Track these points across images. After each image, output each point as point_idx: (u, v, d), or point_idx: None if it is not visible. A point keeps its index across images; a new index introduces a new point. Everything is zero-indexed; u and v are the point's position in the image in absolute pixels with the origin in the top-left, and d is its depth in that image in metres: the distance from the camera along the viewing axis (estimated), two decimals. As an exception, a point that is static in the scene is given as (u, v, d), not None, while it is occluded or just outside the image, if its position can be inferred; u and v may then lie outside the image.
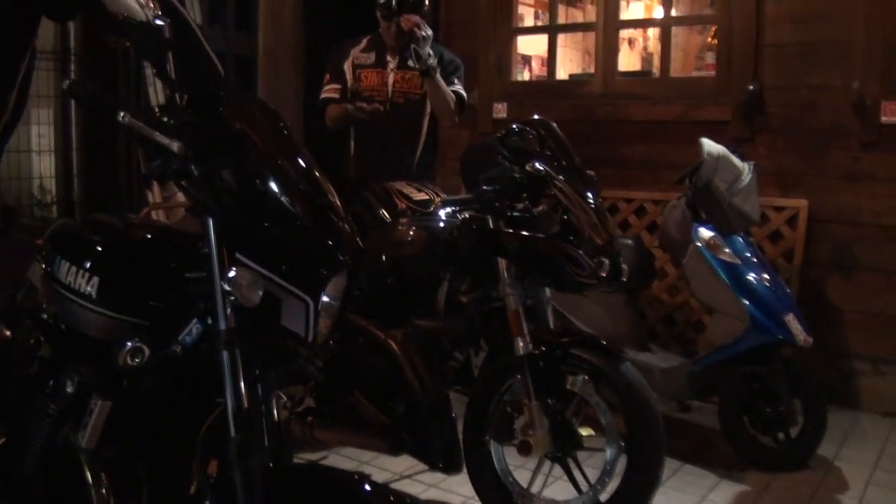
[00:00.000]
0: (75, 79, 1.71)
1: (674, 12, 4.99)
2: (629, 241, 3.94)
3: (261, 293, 1.65)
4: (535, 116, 2.94)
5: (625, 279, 2.75)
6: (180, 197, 4.32)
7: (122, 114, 1.61)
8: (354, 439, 2.95)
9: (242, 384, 1.67)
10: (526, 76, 6.12)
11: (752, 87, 4.15)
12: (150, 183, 4.37)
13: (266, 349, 1.75)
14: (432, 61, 3.57)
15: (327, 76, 3.88)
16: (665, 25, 4.89)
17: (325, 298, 1.72)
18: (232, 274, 1.62)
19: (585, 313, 3.76)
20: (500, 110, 5.04)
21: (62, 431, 1.84)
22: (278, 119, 1.95)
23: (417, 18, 3.62)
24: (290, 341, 1.71)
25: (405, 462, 3.12)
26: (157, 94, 4.36)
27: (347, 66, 3.83)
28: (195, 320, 1.77)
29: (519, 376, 2.67)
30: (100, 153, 5.62)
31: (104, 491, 1.79)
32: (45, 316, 1.99)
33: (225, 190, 1.73)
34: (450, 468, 2.79)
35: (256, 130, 1.85)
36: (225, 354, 1.68)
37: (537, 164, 2.69)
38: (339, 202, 1.83)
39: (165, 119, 1.73)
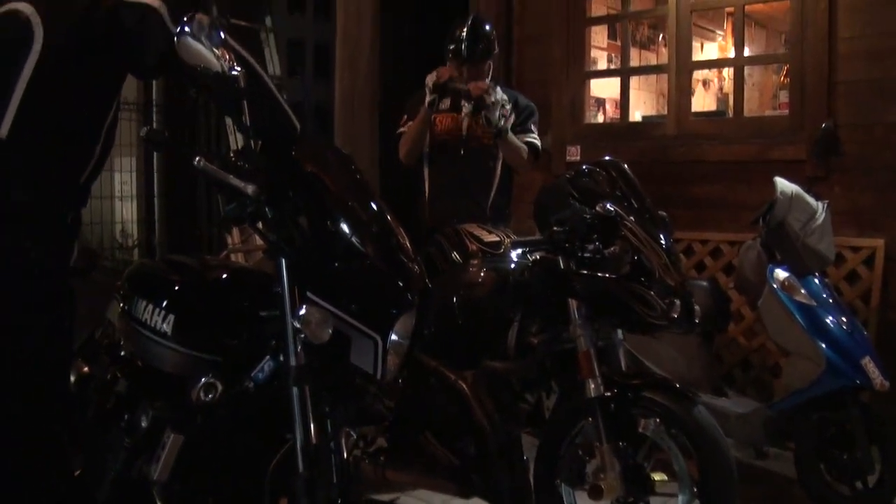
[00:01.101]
0: (153, 126, 1.78)
1: (747, 52, 4.95)
2: (704, 283, 3.89)
3: (330, 331, 1.69)
4: (606, 157, 2.94)
5: (697, 321, 2.72)
6: (259, 240, 4.44)
7: (197, 158, 1.68)
8: (425, 481, 2.95)
9: (311, 421, 1.71)
10: (600, 119, 6.13)
11: (825, 126, 4.07)
12: (229, 227, 4.48)
13: (335, 386, 1.79)
14: (503, 123, 3.60)
15: (405, 117, 3.93)
16: (738, 65, 4.86)
17: (393, 337, 1.75)
18: (302, 312, 1.66)
19: (659, 356, 3.71)
20: (574, 153, 5.05)
21: (136, 464, 1.90)
22: (350, 162, 2.00)
23: (486, 84, 3.64)
24: (359, 379, 1.74)
25: (476, 504, 3.11)
26: (237, 142, 4.50)
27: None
28: (267, 357, 1.82)
29: (590, 419, 2.64)
30: (180, 199, 5.84)
31: None
32: (123, 352, 2.07)
33: (297, 231, 1.78)
34: (519, 511, 2.77)
35: (328, 173, 1.91)
36: (295, 391, 1.72)
37: (608, 206, 2.69)
38: (408, 243, 1.87)
39: (240, 163, 1.79)
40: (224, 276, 2.02)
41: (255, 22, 5.21)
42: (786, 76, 4.77)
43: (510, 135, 3.68)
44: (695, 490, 2.58)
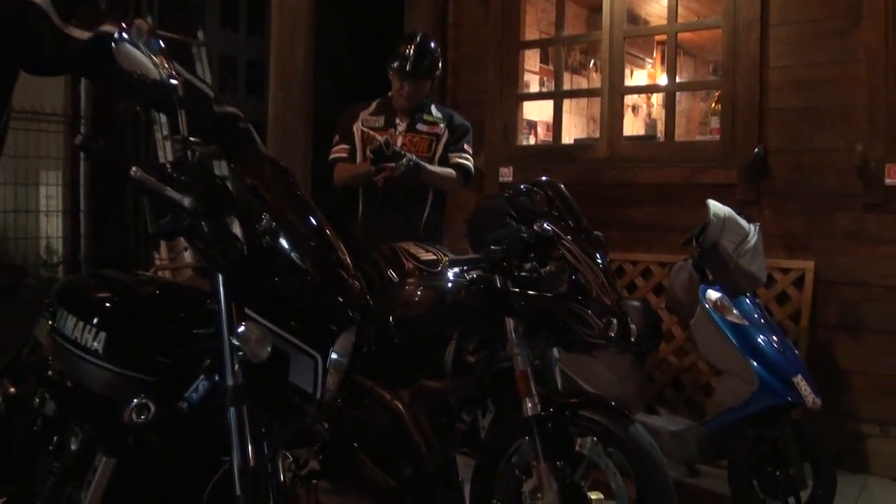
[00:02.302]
0: (87, 133, 1.71)
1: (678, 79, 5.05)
2: (636, 303, 3.93)
3: (269, 349, 1.64)
4: (543, 178, 2.95)
5: (633, 339, 2.74)
6: (188, 257, 4.35)
7: (134, 168, 1.62)
8: (362, 502, 2.90)
9: (249, 442, 1.66)
10: (531, 141, 6.18)
11: (757, 151, 4.17)
12: (157, 243, 4.38)
13: (273, 406, 1.74)
14: (408, 161, 3.54)
15: (336, 137, 3.92)
16: (670, 91, 4.95)
17: (333, 355, 1.71)
18: (241, 329, 1.62)
19: (592, 375, 3.73)
20: (507, 174, 5.08)
21: (65, 490, 1.81)
22: (288, 176, 1.96)
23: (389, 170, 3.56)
24: (298, 398, 1.70)
25: (411, 526, 3.07)
26: (166, 155, 4.41)
27: (356, 128, 3.87)
28: (202, 377, 1.76)
29: (527, 438, 2.63)
30: (107, 215, 5.69)
31: None
32: (51, 372, 1.98)
33: (234, 246, 1.73)
34: (456, 532, 2.74)
35: (267, 186, 1.87)
36: (232, 411, 1.66)
37: (545, 225, 2.70)
38: (348, 259, 1.83)
39: (176, 175, 1.74)
40: (156, 292, 1.96)
41: (186, 35, 5.12)
42: (717, 102, 4.87)
43: (426, 166, 3.67)
44: (633, 508, 2.60)
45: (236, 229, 1.77)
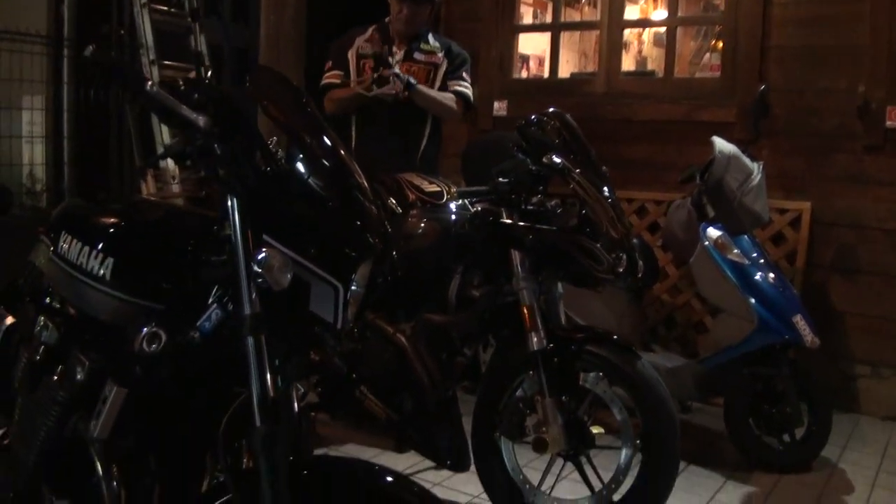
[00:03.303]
0: (96, 46, 1.60)
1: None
2: (634, 241, 3.89)
3: (289, 276, 1.58)
4: (551, 109, 2.88)
5: (640, 275, 2.71)
6: (175, 188, 4.25)
7: (149, 83, 1.53)
8: (360, 435, 2.88)
9: (268, 372, 1.61)
10: (523, 75, 6.07)
11: (763, 87, 4.09)
12: (144, 173, 4.27)
13: (291, 336, 1.68)
14: (405, 77, 3.54)
15: (329, 63, 3.81)
16: (671, 25, 4.86)
17: (353, 286, 1.66)
18: (262, 255, 1.55)
19: (589, 312, 3.71)
20: (501, 108, 4.99)
21: (70, 421, 1.75)
22: (303, 96, 1.88)
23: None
24: (318, 328, 1.64)
25: (409, 459, 3.06)
26: (152, 79, 4.26)
27: (351, 55, 3.76)
28: (214, 305, 1.70)
29: (532, 372, 2.61)
30: (91, 142, 5.53)
31: (115, 484, 1.71)
32: (51, 300, 1.91)
33: (249, 168, 1.66)
34: (457, 466, 2.73)
35: (282, 108, 1.79)
36: (251, 341, 1.60)
37: (554, 157, 2.63)
38: (366, 183, 1.77)
39: (191, 93, 1.65)
40: (164, 216, 1.88)
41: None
42: (716, 39, 4.79)
43: (423, 89, 3.60)
44: (637, 443, 2.59)
45: (251, 151, 1.70)
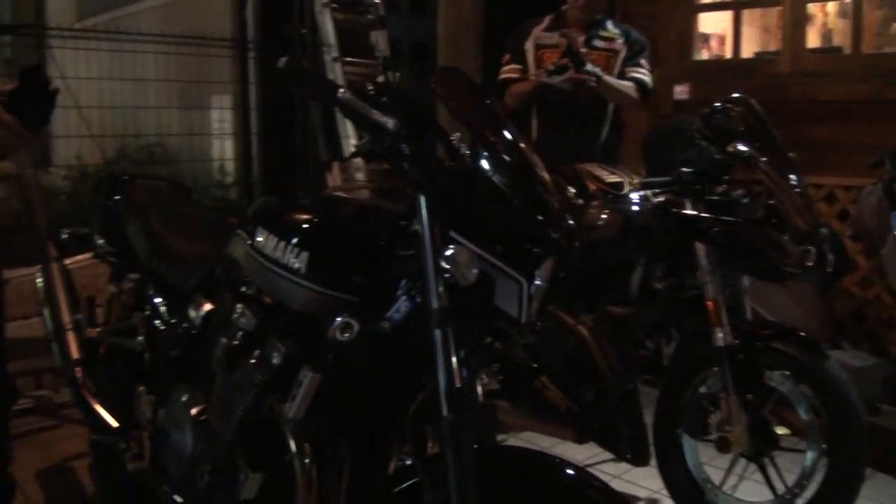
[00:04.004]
0: (292, 56, 1.69)
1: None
2: (825, 230, 3.72)
3: (475, 272, 1.62)
4: (735, 94, 2.79)
5: (830, 269, 2.59)
6: (361, 179, 4.40)
7: (342, 89, 1.61)
8: (539, 424, 2.90)
9: (454, 364, 1.65)
10: (705, 56, 5.88)
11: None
12: (329, 166, 4.45)
13: (477, 330, 1.73)
14: (592, 68, 3.48)
15: (506, 56, 3.83)
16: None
17: (536, 280, 1.68)
18: (450, 252, 1.60)
19: (775, 306, 3.57)
20: (682, 92, 4.85)
21: (266, 401, 1.87)
22: (486, 94, 1.91)
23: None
24: (502, 322, 1.68)
25: (587, 450, 3.06)
26: (335, 79, 4.43)
27: (529, 47, 3.77)
28: (403, 297, 1.76)
29: (716, 368, 2.56)
30: (277, 138, 5.83)
31: (307, 462, 1.81)
32: (248, 289, 2.03)
33: (436, 167, 1.71)
34: (637, 460, 2.71)
35: (467, 107, 1.83)
36: (438, 334, 1.66)
37: (740, 146, 2.55)
38: (548, 178, 1.78)
39: (380, 97, 1.72)
40: (357, 212, 1.96)
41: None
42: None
43: (607, 79, 3.55)
44: (823, 446, 2.49)
45: (437, 150, 1.75)
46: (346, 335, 1.76)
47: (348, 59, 4.84)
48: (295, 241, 1.84)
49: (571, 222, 1.76)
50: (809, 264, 2.50)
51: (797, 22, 4.53)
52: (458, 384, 1.65)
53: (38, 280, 3.01)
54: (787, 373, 2.52)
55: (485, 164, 1.71)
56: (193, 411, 2.13)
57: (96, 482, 3.09)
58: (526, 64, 3.76)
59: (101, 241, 2.94)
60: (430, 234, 1.68)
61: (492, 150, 1.73)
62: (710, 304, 2.56)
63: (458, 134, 1.77)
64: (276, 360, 1.86)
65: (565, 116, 3.61)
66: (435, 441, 1.63)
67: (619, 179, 2.98)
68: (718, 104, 2.70)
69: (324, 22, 4.79)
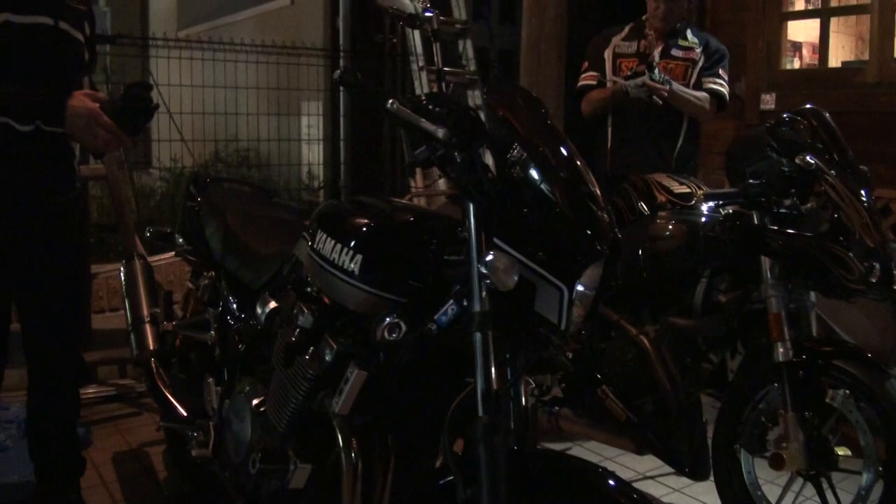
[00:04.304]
0: (346, 68, 1.78)
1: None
2: (893, 246, 3.62)
3: (516, 278, 1.66)
4: (808, 106, 2.75)
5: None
6: (442, 185, 4.48)
7: (390, 101, 1.67)
8: (600, 434, 2.91)
9: (493, 367, 1.70)
10: (796, 64, 5.75)
11: None
12: (413, 171, 4.54)
13: (518, 334, 1.77)
14: (661, 79, 3.46)
15: (585, 64, 3.85)
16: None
17: (579, 287, 1.71)
18: (489, 258, 1.64)
19: (850, 323, 3.49)
20: (769, 101, 4.77)
21: (318, 396, 1.95)
22: (541, 106, 1.95)
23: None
24: (543, 328, 1.71)
25: (649, 462, 3.05)
26: (422, 88, 4.52)
27: (608, 55, 3.78)
28: (451, 301, 1.81)
29: (776, 384, 2.52)
30: (365, 143, 5.96)
31: (354, 455, 1.88)
32: (310, 289, 2.12)
33: (486, 176, 1.76)
34: (696, 474, 2.68)
35: (518, 117, 1.87)
36: (478, 336, 1.71)
37: (808, 158, 2.52)
38: (598, 191, 1.81)
39: (431, 107, 1.78)
40: (411, 218, 2.02)
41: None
42: None
43: (681, 89, 3.52)
44: (880, 469, 2.43)
45: (488, 159, 1.80)
46: (394, 335, 1.82)
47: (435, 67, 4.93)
48: (351, 244, 1.92)
49: (619, 236, 1.78)
50: (874, 281, 2.44)
51: (885, 31, 4.39)
52: (495, 387, 1.69)
53: (121, 275, 3.16)
54: (848, 392, 2.46)
55: (534, 173, 1.75)
56: (254, 403, 2.23)
57: (167, 467, 3.23)
58: (604, 72, 3.77)
59: (181, 240, 3.09)
60: (477, 240, 1.73)
61: (543, 162, 1.77)
62: (772, 318, 2.53)
63: (517, 145, 1.80)
64: (328, 357, 1.94)
65: (640, 125, 3.61)
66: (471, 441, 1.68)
67: (688, 190, 2.96)
68: (786, 115, 2.66)
69: (411, 32, 4.89)
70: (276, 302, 2.28)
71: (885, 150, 4.26)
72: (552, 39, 4.71)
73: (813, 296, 2.72)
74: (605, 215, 1.78)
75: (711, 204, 2.78)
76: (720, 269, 2.76)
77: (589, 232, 1.73)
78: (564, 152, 1.83)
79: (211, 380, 2.65)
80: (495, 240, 1.71)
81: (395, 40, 5.45)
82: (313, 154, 5.98)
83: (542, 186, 1.76)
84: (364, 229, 1.96)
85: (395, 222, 2.00)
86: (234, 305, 2.67)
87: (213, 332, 2.74)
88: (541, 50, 4.70)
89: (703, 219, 2.79)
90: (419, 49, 4.78)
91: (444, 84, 1.85)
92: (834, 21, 6.09)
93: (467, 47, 5.00)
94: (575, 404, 2.91)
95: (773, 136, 2.61)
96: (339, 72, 1.80)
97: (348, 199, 2.28)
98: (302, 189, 5.89)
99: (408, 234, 1.97)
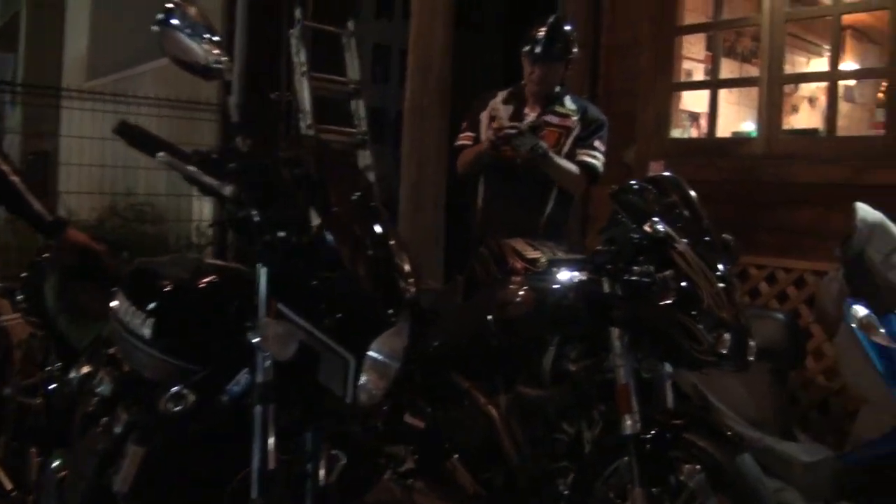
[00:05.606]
0: (124, 120, 1.68)
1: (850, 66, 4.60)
2: (780, 316, 3.60)
3: (294, 347, 1.55)
4: (666, 173, 2.72)
5: (751, 358, 2.46)
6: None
7: (160, 154, 1.58)
8: (455, 506, 2.79)
9: (272, 443, 1.58)
10: (693, 134, 5.83)
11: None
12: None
13: (304, 407, 1.66)
14: (538, 148, 3.40)
15: (464, 124, 3.81)
16: (832, 79, 4.49)
17: (378, 357, 1.61)
18: (261, 325, 1.54)
19: (725, 391, 3.44)
20: (657, 169, 4.75)
21: (107, 472, 1.80)
22: (360, 179, 1.90)
23: (499, 123, 3.51)
24: (329, 401, 1.61)
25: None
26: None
27: (484, 116, 3.74)
28: (245, 370, 1.70)
29: (626, 458, 2.43)
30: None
31: None
32: (112, 353, 1.99)
33: (280, 238, 1.65)
34: (546, 548, 2.58)
35: (329, 181, 1.79)
36: (258, 410, 1.59)
37: (658, 226, 2.46)
38: (406, 264, 1.73)
39: (222, 162, 1.69)
40: (216, 279, 1.91)
41: (338, 26, 5.17)
42: (883, 92, 4.39)
43: (553, 157, 3.47)
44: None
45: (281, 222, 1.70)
46: (180, 407, 1.70)
47: (325, 126, 4.87)
48: (144, 307, 1.81)
49: (417, 305, 1.69)
50: (724, 352, 2.37)
51: (773, 103, 4.46)
52: (271, 465, 1.57)
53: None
54: (699, 467, 2.37)
55: (332, 238, 1.66)
56: (58, 478, 2.07)
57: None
58: (479, 133, 3.73)
59: (20, 297, 2.92)
60: (267, 307, 1.62)
61: (343, 228, 1.68)
62: (619, 389, 2.45)
63: (317, 210, 1.70)
64: (117, 429, 1.81)
65: (510, 187, 3.55)
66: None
67: (540, 255, 2.89)
68: (634, 183, 2.62)
69: (301, 90, 4.84)
70: (91, 366, 2.14)
71: (772, 219, 4.29)
72: (435, 95, 4.68)
73: (668, 365, 2.65)
74: (406, 284, 1.69)
75: (566, 270, 2.70)
76: (571, 337, 2.68)
77: (382, 300, 1.63)
78: (372, 222, 1.75)
79: (34, 450, 2.48)
80: (280, 306, 1.61)
81: (291, 98, 5.39)
82: (205, 210, 5.85)
83: (341, 253, 1.66)
84: (159, 292, 1.85)
85: (194, 285, 1.88)
86: (58, 368, 2.52)
87: (38, 398, 2.58)
88: (424, 108, 4.67)
89: (555, 285, 2.71)
90: (308, 107, 4.73)
91: (240, 140, 1.75)
92: (737, 93, 6.25)
93: (359, 107, 4.95)
94: (428, 476, 2.79)
95: (618, 203, 2.55)
96: (118, 122, 1.71)
97: (169, 259, 2.16)
98: (184, 247, 5.74)
99: (207, 297, 1.85)
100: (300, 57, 4.84)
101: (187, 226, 5.90)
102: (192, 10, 1.71)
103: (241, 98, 5.41)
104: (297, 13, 5.00)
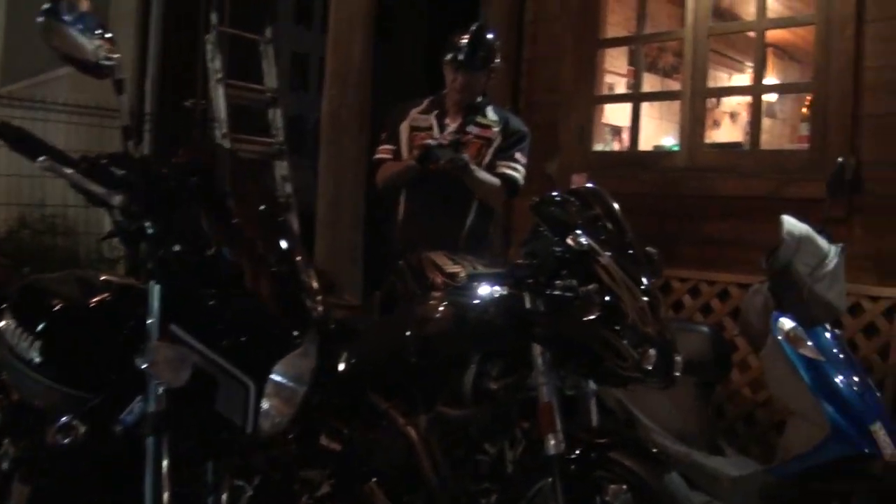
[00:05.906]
0: (5, 121, 1.55)
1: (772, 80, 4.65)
2: (704, 329, 3.59)
3: (188, 373, 1.42)
4: (589, 185, 2.65)
5: (677, 373, 2.40)
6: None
7: (42, 158, 1.44)
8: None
9: (165, 475, 1.45)
10: (615, 147, 5.84)
11: (840, 161, 3.72)
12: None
13: (201, 437, 1.53)
14: (458, 160, 3.33)
15: (383, 136, 3.70)
16: (755, 94, 4.53)
17: (282, 380, 1.49)
18: (152, 348, 1.41)
19: (651, 406, 3.40)
20: (579, 181, 4.72)
21: None
22: (267, 195, 1.78)
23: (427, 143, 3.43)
24: (225, 430, 1.48)
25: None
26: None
27: (404, 128, 3.63)
28: (139, 398, 1.56)
29: (550, 479, 2.34)
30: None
31: None
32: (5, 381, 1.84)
33: (175, 254, 1.52)
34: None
35: (233, 196, 1.67)
36: (150, 441, 1.45)
37: (581, 238, 2.38)
38: (313, 282, 1.61)
39: (112, 169, 1.55)
40: (109, 298, 1.76)
41: (255, 32, 5.03)
42: (807, 107, 4.45)
43: (473, 169, 3.40)
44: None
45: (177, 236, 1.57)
46: (69, 439, 1.55)
47: (242, 135, 4.73)
48: (32, 328, 1.66)
49: (325, 325, 1.58)
50: (649, 368, 2.31)
51: (696, 117, 4.47)
52: (166, 501, 1.44)
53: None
54: (625, 487, 2.30)
55: (231, 255, 1.54)
56: None
57: None
58: (399, 145, 3.62)
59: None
60: (160, 326, 1.49)
61: (245, 245, 1.56)
62: (542, 408, 2.36)
63: (217, 225, 1.58)
64: (4, 466, 1.65)
65: (430, 200, 3.46)
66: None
67: (460, 269, 2.79)
68: (556, 195, 2.54)
69: (216, 97, 4.69)
70: None
71: (694, 232, 4.29)
72: (353, 107, 4.57)
73: (592, 382, 2.57)
74: (313, 304, 1.57)
75: (486, 284, 2.60)
76: (492, 354, 2.58)
77: (288, 322, 1.52)
78: (273, 229, 1.63)
79: None
80: (173, 327, 1.47)
81: (205, 105, 5.23)
82: (114, 223, 5.62)
83: (242, 270, 1.54)
84: (48, 312, 1.70)
85: (85, 304, 1.73)
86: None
87: None
88: (342, 118, 4.55)
89: (476, 301, 2.61)
90: (223, 115, 4.58)
91: (131, 146, 1.62)
92: (659, 107, 6.29)
93: (276, 116, 4.81)
94: (345, 501, 2.67)
95: (539, 215, 2.47)
96: None
97: (63, 275, 2.00)
98: (96, 261, 5.50)
99: (99, 318, 1.71)
100: (215, 63, 4.70)
101: (90, 237, 5.66)
102: (83, 4, 1.58)
103: (155, 105, 5.23)
104: (213, 18, 4.85)
